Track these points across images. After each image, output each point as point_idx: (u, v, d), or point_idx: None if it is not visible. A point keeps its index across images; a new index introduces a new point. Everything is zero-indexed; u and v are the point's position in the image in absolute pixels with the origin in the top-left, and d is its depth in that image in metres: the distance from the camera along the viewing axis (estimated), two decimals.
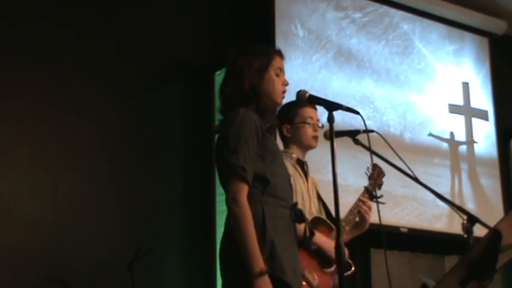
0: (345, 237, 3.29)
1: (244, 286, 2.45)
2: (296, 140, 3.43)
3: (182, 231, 4.97)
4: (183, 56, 5.24)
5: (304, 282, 3.12)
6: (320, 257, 3.24)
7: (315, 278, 3.21)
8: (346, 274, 3.22)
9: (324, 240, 3.23)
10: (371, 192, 3.42)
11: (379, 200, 3.35)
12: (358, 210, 3.36)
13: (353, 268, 3.30)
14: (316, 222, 3.28)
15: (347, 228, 3.33)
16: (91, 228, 4.58)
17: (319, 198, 3.47)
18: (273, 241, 2.54)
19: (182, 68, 5.22)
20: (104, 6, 4.99)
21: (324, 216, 3.41)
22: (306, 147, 3.46)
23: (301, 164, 3.43)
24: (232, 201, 2.53)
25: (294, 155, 3.41)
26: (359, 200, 3.39)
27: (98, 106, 4.82)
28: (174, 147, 5.08)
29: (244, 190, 2.54)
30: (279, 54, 2.81)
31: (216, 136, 2.73)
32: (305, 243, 3.15)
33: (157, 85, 5.10)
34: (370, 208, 3.35)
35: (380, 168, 3.46)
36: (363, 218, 3.35)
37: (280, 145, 3.34)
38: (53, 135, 4.63)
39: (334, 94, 5.34)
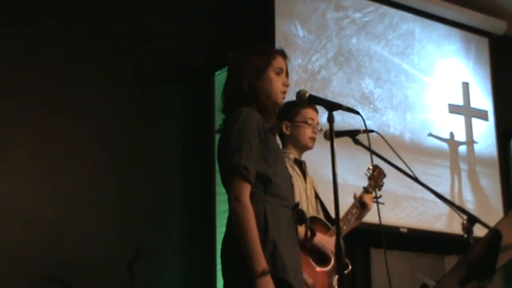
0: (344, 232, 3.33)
1: (246, 286, 2.45)
2: (294, 139, 3.43)
3: (182, 231, 4.97)
4: (183, 56, 5.24)
5: None
6: (315, 254, 3.24)
7: (309, 277, 3.20)
8: None
9: (321, 238, 3.23)
10: (370, 193, 3.43)
11: (379, 200, 3.36)
12: (361, 202, 3.38)
13: (350, 267, 3.30)
14: (313, 222, 3.28)
15: (344, 228, 3.35)
16: (91, 228, 4.58)
17: (317, 198, 3.47)
18: (275, 241, 2.53)
19: (182, 68, 5.22)
20: (104, 6, 4.99)
21: (321, 216, 3.41)
22: (303, 147, 3.46)
23: (299, 164, 3.44)
24: (234, 201, 2.52)
25: (292, 155, 3.41)
26: (357, 200, 3.41)
27: (98, 106, 4.82)
28: (174, 147, 5.08)
29: (246, 190, 2.53)
30: (281, 54, 2.80)
31: (218, 136, 2.72)
32: (301, 242, 3.15)
33: (157, 85, 5.10)
34: (371, 206, 3.39)
35: (381, 169, 3.47)
36: (364, 208, 3.38)
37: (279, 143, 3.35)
38: (53, 135, 4.63)
39: (334, 94, 5.34)
